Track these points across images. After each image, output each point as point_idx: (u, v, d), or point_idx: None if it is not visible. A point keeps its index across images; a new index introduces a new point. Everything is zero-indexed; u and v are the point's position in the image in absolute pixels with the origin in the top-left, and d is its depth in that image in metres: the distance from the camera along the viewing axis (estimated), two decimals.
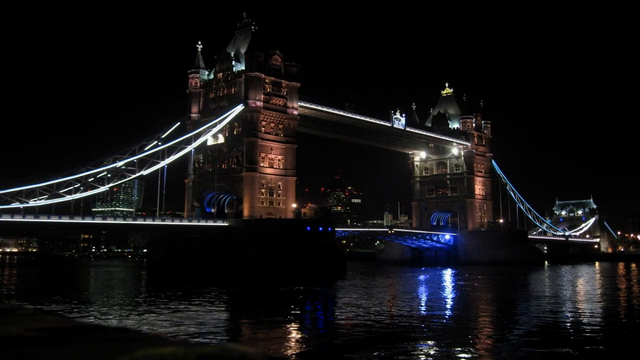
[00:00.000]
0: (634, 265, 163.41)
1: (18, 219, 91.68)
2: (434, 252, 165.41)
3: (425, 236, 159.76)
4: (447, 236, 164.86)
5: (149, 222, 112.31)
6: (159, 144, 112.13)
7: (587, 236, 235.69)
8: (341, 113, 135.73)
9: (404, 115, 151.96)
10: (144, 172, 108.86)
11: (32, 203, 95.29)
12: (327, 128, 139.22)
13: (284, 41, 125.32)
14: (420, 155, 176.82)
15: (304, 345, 28.47)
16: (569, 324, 36.97)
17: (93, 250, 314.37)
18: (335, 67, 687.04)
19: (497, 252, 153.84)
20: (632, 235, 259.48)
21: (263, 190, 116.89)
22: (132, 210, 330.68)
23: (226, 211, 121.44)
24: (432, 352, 26.29)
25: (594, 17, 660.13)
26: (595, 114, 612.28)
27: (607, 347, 28.15)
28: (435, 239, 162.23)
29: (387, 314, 42.88)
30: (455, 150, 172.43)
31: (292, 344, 28.99)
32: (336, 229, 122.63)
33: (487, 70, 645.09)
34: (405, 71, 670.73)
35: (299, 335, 32.49)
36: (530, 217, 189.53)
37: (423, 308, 48.27)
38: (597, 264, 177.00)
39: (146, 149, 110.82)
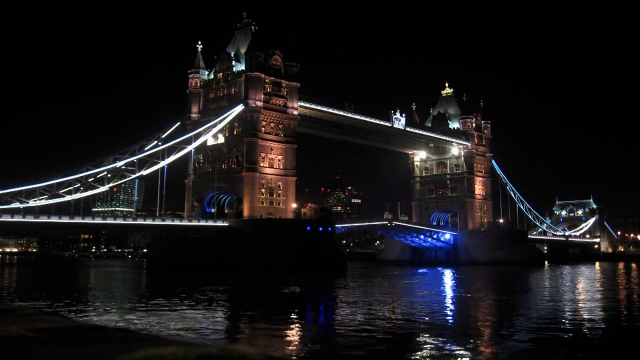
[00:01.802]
0: (634, 265, 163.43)
1: (18, 219, 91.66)
2: (433, 252, 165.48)
3: (425, 233, 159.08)
4: (447, 235, 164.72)
5: (149, 222, 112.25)
6: (159, 144, 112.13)
7: (587, 236, 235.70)
8: (341, 113, 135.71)
9: (404, 115, 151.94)
10: (144, 172, 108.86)
11: (32, 203, 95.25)
12: (327, 128, 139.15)
13: (284, 41, 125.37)
14: (420, 155, 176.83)
15: (304, 345, 28.47)
16: (569, 325, 36.95)
17: (93, 250, 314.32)
18: (336, 67, 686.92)
19: (497, 252, 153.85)
20: (632, 235, 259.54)
21: (263, 190, 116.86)
22: (132, 210, 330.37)
23: (226, 211, 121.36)
24: (432, 352, 26.27)
25: (593, 16, 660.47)
26: (596, 113, 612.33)
27: (608, 346, 28.15)
28: (435, 236, 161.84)
29: (387, 314, 42.87)
30: (455, 150, 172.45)
31: (292, 344, 28.99)
32: (336, 225, 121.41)
33: (487, 70, 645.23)
34: (406, 71, 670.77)
35: (299, 335, 32.48)
36: (530, 217, 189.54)
37: (423, 308, 48.24)
38: (597, 264, 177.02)
39: (146, 149, 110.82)
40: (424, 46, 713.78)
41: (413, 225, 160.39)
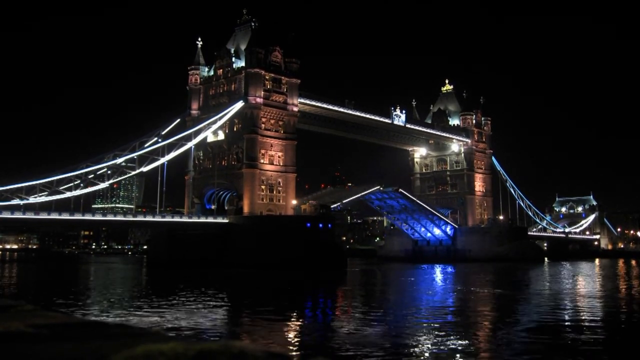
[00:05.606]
0: (634, 262, 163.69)
1: (18, 215, 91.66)
2: (433, 249, 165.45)
3: (428, 215, 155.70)
4: (448, 228, 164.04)
5: (149, 218, 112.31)
6: (159, 140, 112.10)
7: (587, 233, 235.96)
8: (341, 109, 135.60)
9: (404, 111, 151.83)
10: (144, 169, 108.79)
11: (32, 200, 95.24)
12: (327, 124, 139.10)
13: (284, 38, 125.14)
14: (420, 152, 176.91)
15: (304, 342, 28.50)
16: (570, 322, 37.01)
17: (93, 246, 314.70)
18: (336, 63, 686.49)
19: (497, 248, 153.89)
20: (632, 232, 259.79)
21: (263, 187, 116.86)
22: (132, 206, 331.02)
23: (226, 208, 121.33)
24: (432, 349, 26.32)
25: (593, 13, 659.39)
26: (596, 111, 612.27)
27: (608, 345, 28.19)
28: (437, 222, 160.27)
29: (387, 311, 42.92)
30: (455, 147, 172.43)
31: (292, 340, 29.04)
32: (331, 206, 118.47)
33: (488, 67, 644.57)
34: (406, 67, 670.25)
35: (299, 332, 32.53)
36: (530, 213, 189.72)
37: (423, 305, 48.31)
38: (597, 260, 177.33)
39: (146, 145, 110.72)
40: (424, 43, 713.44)
41: (417, 200, 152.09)
